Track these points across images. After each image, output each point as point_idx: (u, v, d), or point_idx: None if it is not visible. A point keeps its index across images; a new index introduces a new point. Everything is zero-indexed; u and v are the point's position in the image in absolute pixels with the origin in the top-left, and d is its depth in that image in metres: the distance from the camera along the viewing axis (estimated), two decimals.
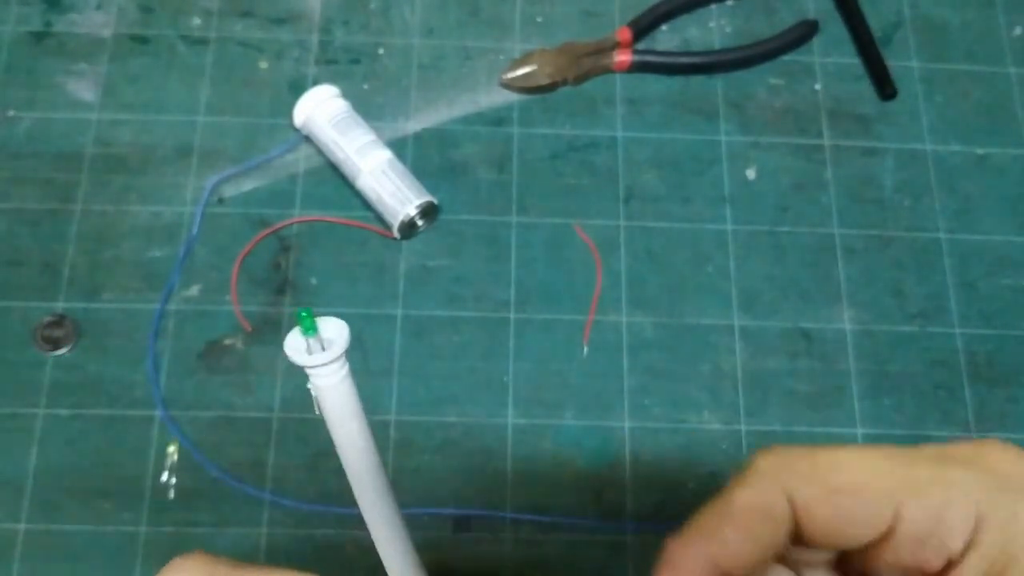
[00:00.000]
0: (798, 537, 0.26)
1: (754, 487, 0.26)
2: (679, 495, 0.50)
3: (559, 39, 0.60)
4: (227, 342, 0.52)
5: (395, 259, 0.54)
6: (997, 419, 0.52)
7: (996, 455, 0.24)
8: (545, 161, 0.57)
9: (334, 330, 0.22)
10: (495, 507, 0.49)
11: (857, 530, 0.24)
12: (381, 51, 0.60)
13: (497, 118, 0.58)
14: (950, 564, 0.24)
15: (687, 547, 0.26)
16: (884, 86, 0.60)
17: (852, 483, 0.25)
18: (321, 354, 0.21)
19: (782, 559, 0.29)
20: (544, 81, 0.58)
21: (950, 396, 0.53)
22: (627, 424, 0.51)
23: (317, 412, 0.22)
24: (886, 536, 0.24)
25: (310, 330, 0.22)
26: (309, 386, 0.21)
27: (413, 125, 0.58)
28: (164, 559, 0.50)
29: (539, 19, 0.61)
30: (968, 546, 0.23)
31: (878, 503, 0.24)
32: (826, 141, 0.59)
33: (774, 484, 0.25)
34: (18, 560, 0.47)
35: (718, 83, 0.60)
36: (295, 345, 0.21)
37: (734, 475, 0.26)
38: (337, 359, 0.21)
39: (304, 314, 0.21)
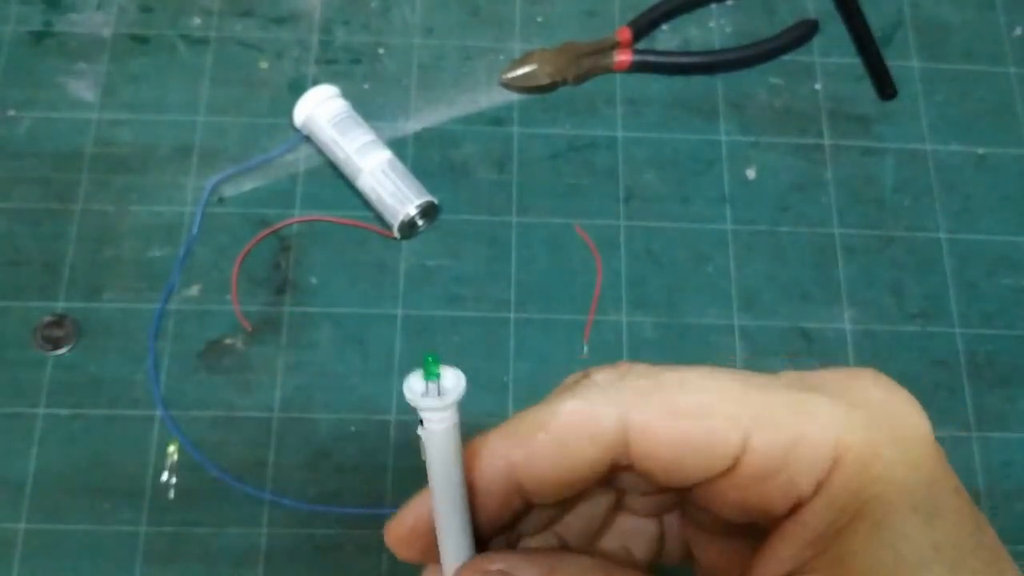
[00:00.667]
0: (629, 469, 0.22)
1: (584, 398, 0.22)
2: None
3: (559, 39, 0.60)
4: (227, 342, 0.52)
5: (395, 259, 0.54)
6: (997, 419, 0.52)
7: (866, 386, 0.21)
8: (545, 161, 0.57)
9: (452, 379, 0.22)
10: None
11: (698, 460, 0.21)
12: (381, 51, 0.60)
13: (497, 118, 0.58)
14: (796, 507, 0.20)
15: (487, 446, 0.22)
16: (884, 86, 0.60)
17: (697, 405, 0.21)
18: (437, 398, 0.22)
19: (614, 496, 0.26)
20: (544, 81, 0.58)
21: (950, 396, 0.53)
22: None
23: (422, 457, 0.23)
24: (729, 470, 0.21)
25: (433, 375, 0.22)
26: (419, 431, 0.23)
27: (413, 125, 0.58)
28: (164, 559, 0.51)
29: (539, 19, 0.61)
30: (817, 488, 0.20)
31: (724, 430, 0.20)
32: (826, 141, 0.59)
33: (607, 397, 0.21)
34: (18, 560, 0.47)
35: (718, 83, 0.60)
36: (415, 387, 0.22)
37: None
38: (451, 406, 0.22)
39: (431, 359, 0.22)
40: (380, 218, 0.54)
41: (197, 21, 0.60)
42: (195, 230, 0.54)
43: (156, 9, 0.60)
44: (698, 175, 0.57)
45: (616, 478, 0.24)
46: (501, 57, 0.60)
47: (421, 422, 0.22)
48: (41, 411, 0.50)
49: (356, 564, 0.48)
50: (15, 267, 0.53)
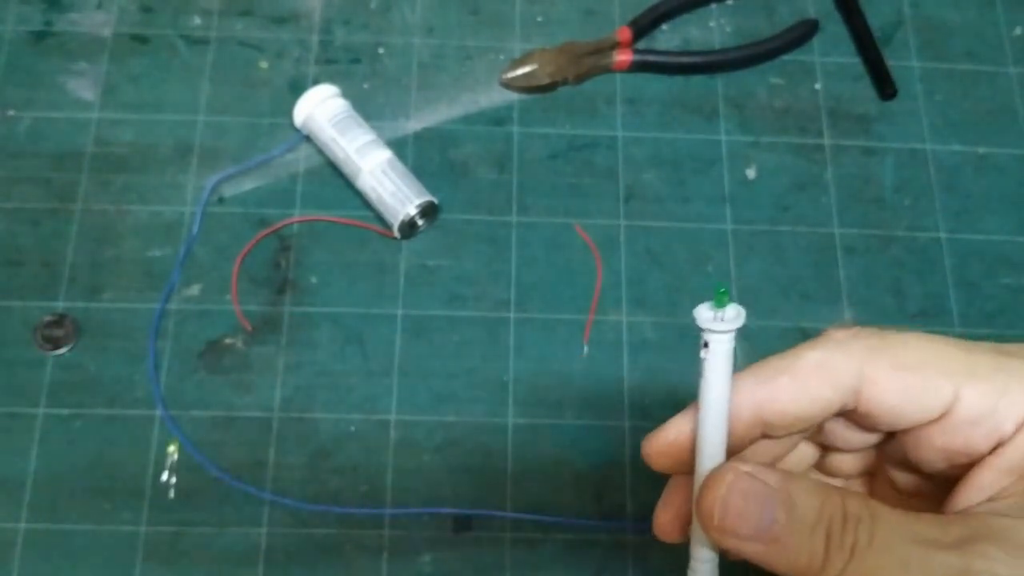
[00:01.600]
0: (851, 417, 0.27)
1: (824, 349, 0.26)
2: None
3: (559, 39, 0.60)
4: (227, 342, 0.52)
5: (395, 259, 0.54)
6: None
7: None
8: (545, 161, 0.57)
9: (734, 312, 0.26)
10: (495, 507, 0.49)
11: (918, 407, 0.25)
12: (381, 51, 0.60)
13: (497, 118, 0.58)
14: (997, 447, 0.25)
15: (740, 382, 0.26)
16: (884, 86, 0.60)
17: (918, 361, 0.25)
18: (725, 322, 0.26)
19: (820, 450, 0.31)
20: (544, 81, 0.58)
21: None
22: (627, 424, 0.51)
23: (697, 379, 0.27)
24: (941, 418, 0.25)
25: (723, 303, 0.26)
26: (702, 353, 0.26)
27: (413, 125, 0.58)
28: (164, 559, 0.51)
29: (539, 18, 0.61)
30: (1019, 428, 0.24)
31: (940, 383, 0.25)
32: (826, 141, 0.59)
33: (843, 351, 0.26)
34: (18, 560, 0.47)
35: (718, 83, 0.60)
36: (704, 314, 0.26)
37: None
38: (735, 330, 0.26)
39: (723, 290, 0.26)
40: (380, 218, 0.54)
41: (197, 21, 0.60)
42: (195, 230, 0.54)
43: (156, 9, 0.60)
44: (698, 175, 0.57)
45: (829, 429, 0.29)
46: (501, 57, 0.60)
47: (706, 344, 0.26)
48: (41, 411, 0.50)
49: (356, 564, 0.48)
50: (15, 267, 0.53)
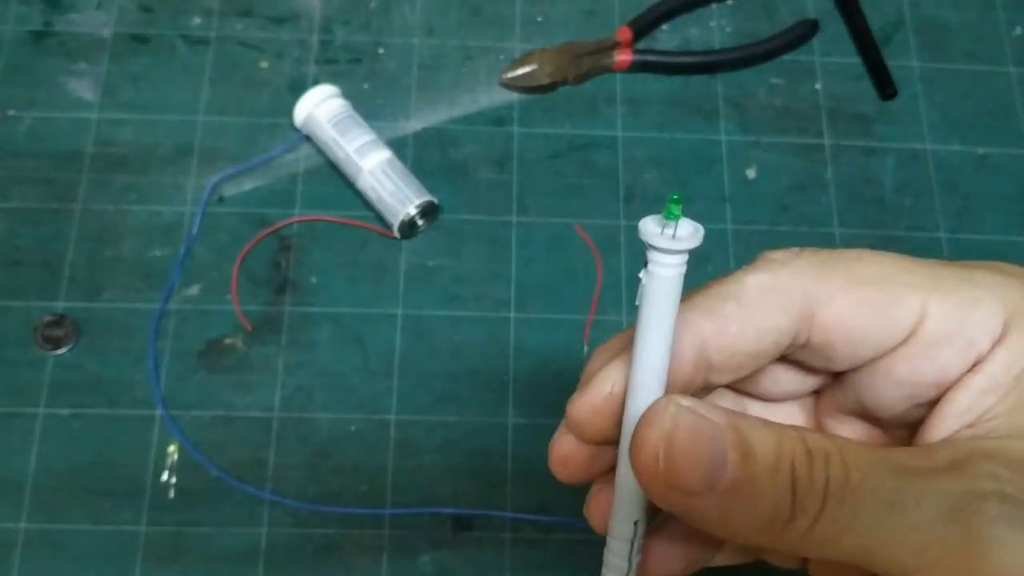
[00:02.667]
0: (801, 355, 0.23)
1: (767, 271, 0.22)
2: None
3: (559, 39, 0.60)
4: (227, 342, 0.52)
5: (395, 259, 0.54)
6: None
7: (1014, 266, 0.22)
8: (545, 161, 0.57)
9: (689, 229, 0.21)
10: (495, 507, 0.49)
11: (882, 327, 0.21)
12: (381, 51, 0.60)
13: (497, 118, 0.58)
14: (971, 369, 0.21)
15: (680, 316, 0.21)
16: (884, 86, 0.60)
17: (877, 274, 0.22)
18: (672, 240, 0.21)
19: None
20: (544, 81, 0.58)
21: None
22: None
23: (636, 303, 0.21)
24: (905, 341, 0.21)
25: (673, 215, 0.21)
26: (641, 274, 0.21)
27: (413, 125, 0.58)
28: (164, 559, 0.51)
29: (539, 18, 0.61)
30: (995, 344, 0.21)
31: (905, 296, 0.21)
32: (826, 141, 0.59)
33: (789, 269, 0.22)
34: (18, 560, 0.47)
35: (718, 83, 0.60)
36: (651, 227, 0.21)
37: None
38: (684, 252, 0.21)
39: (675, 197, 0.21)
40: (380, 218, 0.54)
41: (197, 21, 0.60)
42: (195, 230, 0.54)
43: (156, 9, 0.60)
44: (698, 175, 0.57)
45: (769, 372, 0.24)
46: (501, 57, 0.60)
47: (646, 264, 0.21)
48: (41, 411, 0.50)
49: (356, 564, 0.48)
50: (15, 267, 0.53)
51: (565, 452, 0.24)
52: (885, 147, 0.59)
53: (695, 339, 0.22)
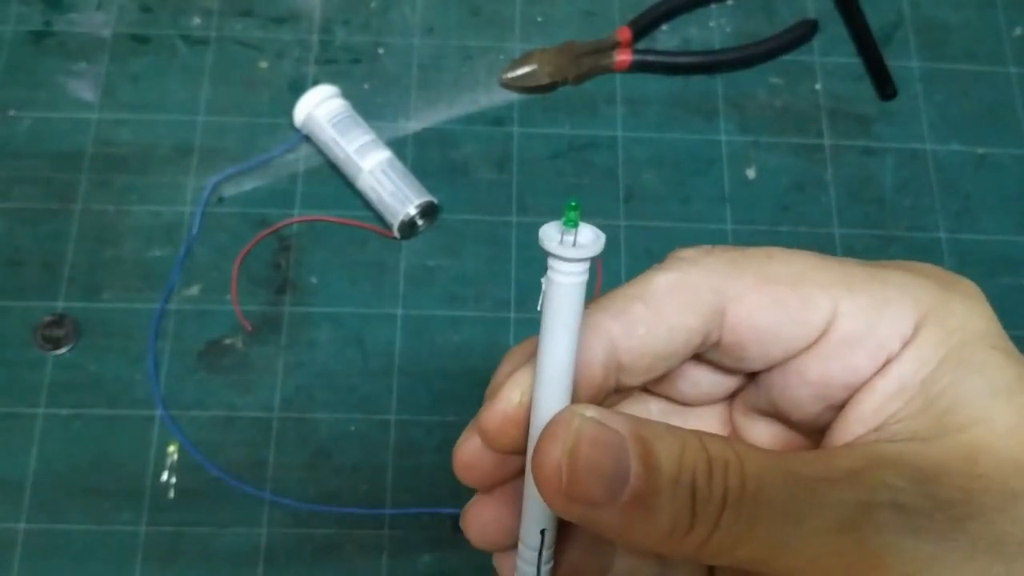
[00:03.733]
0: (713, 356, 0.22)
1: (676, 269, 0.22)
2: None
3: (559, 39, 0.60)
4: (227, 342, 0.52)
5: (395, 259, 0.54)
6: None
7: (927, 265, 0.22)
8: (545, 161, 0.57)
9: (591, 235, 0.21)
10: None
11: (794, 326, 0.21)
12: (381, 51, 0.60)
13: (497, 118, 0.58)
14: (879, 370, 0.21)
15: (588, 319, 0.21)
16: (884, 86, 0.60)
17: (789, 273, 0.21)
18: (572, 248, 0.20)
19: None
20: (544, 81, 0.58)
21: None
22: None
23: (539, 308, 0.21)
24: (816, 341, 0.21)
25: (572, 222, 0.20)
26: (543, 280, 0.21)
27: (413, 125, 0.58)
28: (164, 559, 0.51)
29: (539, 19, 0.61)
30: (906, 346, 0.21)
31: (816, 295, 0.21)
32: (826, 141, 0.59)
33: (699, 268, 0.21)
34: (18, 560, 0.47)
35: (718, 83, 0.60)
36: (551, 234, 0.21)
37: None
38: (585, 260, 0.20)
39: (574, 204, 0.20)
40: (380, 218, 0.54)
41: (197, 21, 0.60)
42: (195, 230, 0.54)
43: (156, 9, 0.60)
44: (698, 175, 0.57)
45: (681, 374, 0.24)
46: (501, 57, 0.60)
47: (547, 271, 0.21)
48: (41, 411, 0.50)
49: (356, 564, 0.48)
50: (15, 267, 0.53)
51: (469, 458, 0.23)
52: (885, 147, 0.59)
53: (604, 341, 0.21)
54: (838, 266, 0.21)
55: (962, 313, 0.21)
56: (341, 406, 0.51)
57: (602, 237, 0.21)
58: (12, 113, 0.57)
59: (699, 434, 0.20)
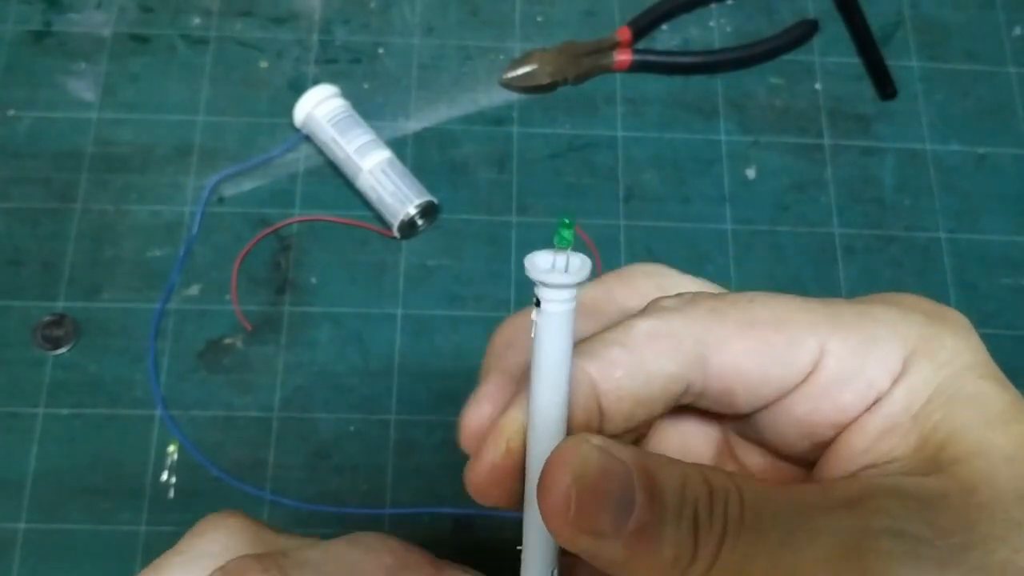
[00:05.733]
0: (701, 404, 0.22)
1: (657, 317, 0.21)
2: None
3: (559, 38, 0.60)
4: (227, 341, 0.52)
5: (395, 259, 0.54)
6: None
7: (913, 298, 0.22)
8: (545, 161, 0.57)
9: (577, 262, 0.20)
10: (495, 507, 0.49)
11: (781, 368, 0.21)
12: (381, 51, 0.60)
13: (497, 118, 0.58)
14: (869, 408, 0.21)
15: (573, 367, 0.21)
16: (884, 86, 0.60)
17: (772, 316, 0.21)
18: (564, 275, 0.20)
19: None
20: (544, 81, 0.58)
21: None
22: None
23: (531, 335, 0.20)
24: (804, 380, 0.21)
25: (566, 240, 0.20)
26: (534, 315, 0.20)
27: (413, 125, 0.58)
28: None
29: (539, 18, 0.61)
30: (895, 383, 0.21)
31: (802, 335, 0.21)
32: (826, 141, 0.59)
33: (681, 315, 0.21)
34: (18, 560, 0.47)
35: (718, 83, 0.60)
36: (539, 264, 0.20)
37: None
38: (575, 285, 0.20)
39: (567, 222, 0.20)
40: (380, 218, 0.54)
41: (197, 21, 0.60)
42: (195, 230, 0.54)
43: (156, 9, 0.60)
44: (698, 175, 0.57)
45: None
46: (501, 57, 0.60)
47: (537, 303, 0.20)
48: (41, 411, 0.50)
49: None
50: (15, 267, 0.53)
51: (481, 480, 0.23)
52: (885, 147, 0.59)
53: (584, 385, 0.21)
54: (822, 306, 0.21)
55: (951, 346, 0.21)
56: (341, 406, 0.51)
57: (588, 261, 0.20)
58: (12, 113, 0.57)
59: (700, 467, 0.20)
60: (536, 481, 0.20)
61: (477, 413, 0.23)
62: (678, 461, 0.20)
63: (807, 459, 0.23)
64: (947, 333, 0.21)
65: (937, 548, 0.18)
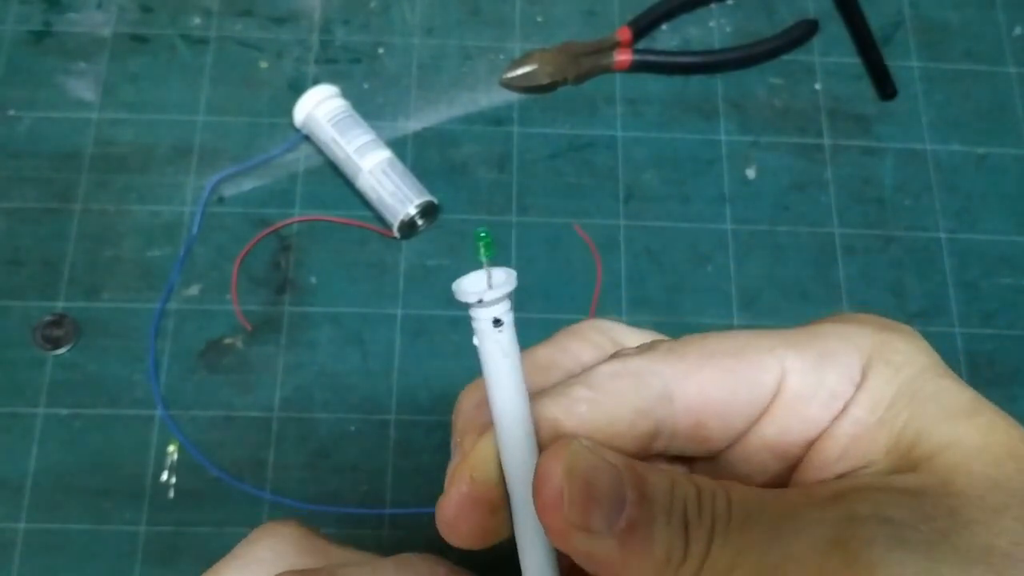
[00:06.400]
0: (674, 446, 0.22)
1: (620, 361, 0.22)
2: None
3: (559, 39, 0.60)
4: (227, 341, 0.52)
5: (395, 259, 0.54)
6: None
7: (862, 315, 0.23)
8: (545, 161, 0.57)
9: (503, 273, 0.21)
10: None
11: (747, 393, 0.21)
12: (381, 51, 0.60)
13: (497, 118, 0.58)
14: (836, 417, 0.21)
15: (536, 404, 0.21)
16: (884, 86, 0.60)
17: (729, 347, 0.22)
18: (492, 291, 0.20)
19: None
20: (544, 81, 0.58)
21: None
22: None
23: (479, 357, 0.21)
24: (770, 403, 0.22)
25: (490, 253, 0.20)
26: (475, 340, 0.20)
27: (413, 125, 0.58)
28: (164, 559, 0.51)
29: (539, 18, 0.61)
30: (857, 389, 0.21)
31: (763, 359, 0.21)
32: (826, 141, 0.59)
33: (643, 357, 0.22)
34: (18, 560, 0.47)
35: (718, 83, 0.60)
36: (465, 288, 0.21)
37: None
38: (505, 298, 0.20)
39: (484, 234, 0.20)
40: (380, 218, 0.54)
41: (197, 21, 0.60)
42: (195, 230, 0.54)
43: (156, 9, 0.60)
44: (698, 175, 0.57)
45: None
46: (501, 57, 0.60)
47: (474, 331, 0.20)
48: (41, 411, 0.50)
49: None
50: (15, 267, 0.53)
51: (451, 515, 0.23)
52: (885, 147, 0.59)
53: (547, 424, 0.21)
54: (775, 333, 0.22)
55: (905, 350, 0.22)
56: (341, 406, 0.51)
57: (514, 274, 0.21)
58: (12, 113, 0.57)
59: (685, 472, 0.20)
60: (520, 495, 0.20)
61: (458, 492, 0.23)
62: (663, 467, 0.20)
63: (781, 483, 0.23)
64: (899, 339, 0.22)
65: (922, 532, 0.18)
